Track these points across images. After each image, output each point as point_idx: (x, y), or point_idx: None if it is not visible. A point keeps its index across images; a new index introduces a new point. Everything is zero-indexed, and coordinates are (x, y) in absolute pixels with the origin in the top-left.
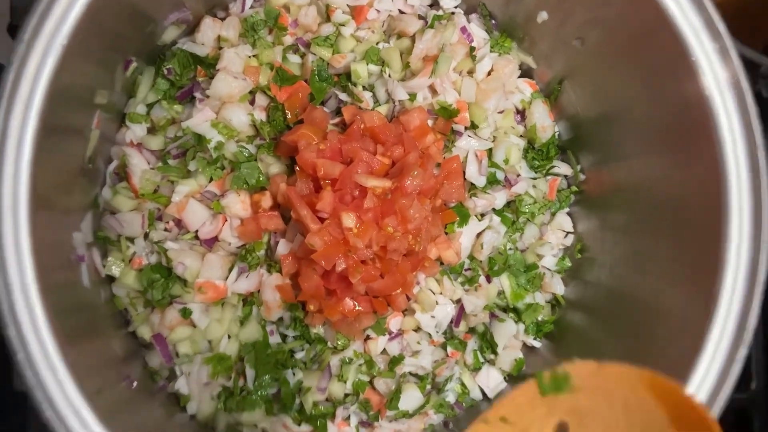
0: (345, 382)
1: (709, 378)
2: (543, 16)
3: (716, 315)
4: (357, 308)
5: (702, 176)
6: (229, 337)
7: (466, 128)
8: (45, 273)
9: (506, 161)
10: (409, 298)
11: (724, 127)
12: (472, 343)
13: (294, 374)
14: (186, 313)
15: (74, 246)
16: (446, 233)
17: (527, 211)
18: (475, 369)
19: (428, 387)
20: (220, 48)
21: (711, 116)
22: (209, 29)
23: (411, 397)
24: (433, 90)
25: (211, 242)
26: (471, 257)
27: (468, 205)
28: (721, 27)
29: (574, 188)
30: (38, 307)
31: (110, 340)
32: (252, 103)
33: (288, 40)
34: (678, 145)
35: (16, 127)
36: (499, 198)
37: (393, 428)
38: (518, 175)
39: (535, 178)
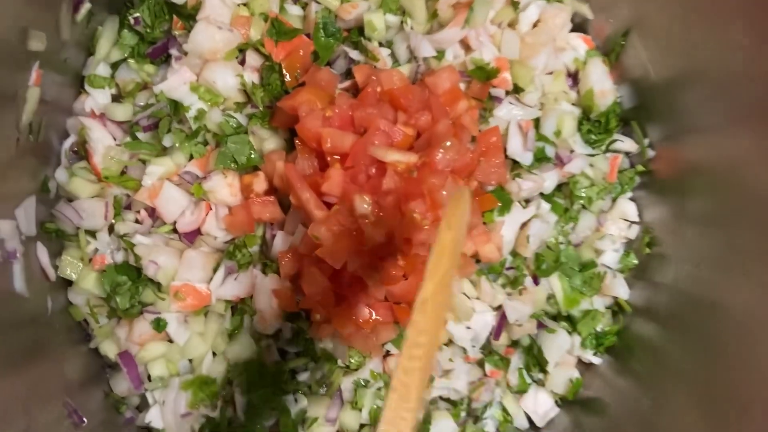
0: (360, 410)
1: None
2: None
3: None
4: (374, 317)
5: None
6: (215, 354)
7: (507, 93)
8: None
9: (557, 134)
10: None
11: None
12: (516, 360)
13: (296, 401)
14: (160, 325)
15: (1, 238)
16: (484, 223)
17: (583, 195)
18: (520, 391)
19: (463, 414)
20: None
21: None
22: None
23: (443, 428)
24: (466, 45)
25: (192, 236)
26: (514, 253)
27: (510, 188)
28: None
29: (639, 168)
30: None
31: (60, 362)
32: (242, 62)
33: None
34: None
35: None
36: (549, 179)
37: None
38: (572, 152)
39: (592, 155)
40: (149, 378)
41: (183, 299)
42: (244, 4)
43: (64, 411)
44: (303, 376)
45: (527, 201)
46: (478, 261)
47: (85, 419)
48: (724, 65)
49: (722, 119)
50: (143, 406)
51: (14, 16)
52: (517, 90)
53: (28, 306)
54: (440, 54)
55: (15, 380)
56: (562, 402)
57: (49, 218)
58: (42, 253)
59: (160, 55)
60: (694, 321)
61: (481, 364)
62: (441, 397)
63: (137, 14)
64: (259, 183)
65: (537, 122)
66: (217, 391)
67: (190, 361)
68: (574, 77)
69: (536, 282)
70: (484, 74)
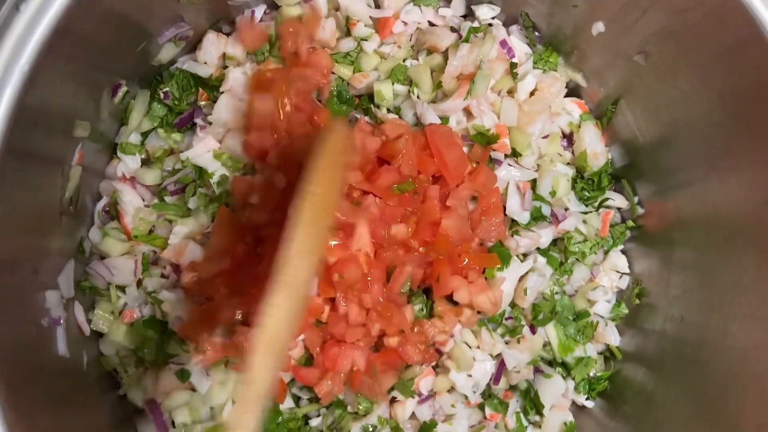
0: None
1: None
2: (599, 27)
3: None
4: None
5: None
6: (234, 402)
7: (506, 156)
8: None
9: (552, 193)
10: (440, 353)
11: None
12: (514, 403)
13: None
14: (184, 376)
15: (47, 308)
16: (486, 278)
17: (576, 250)
18: None
19: None
20: (225, 67)
21: None
22: (213, 46)
23: None
24: (468, 112)
25: None
26: (512, 304)
27: (509, 244)
28: None
29: (630, 223)
30: None
31: (93, 408)
32: None
33: None
34: (762, 161)
35: None
36: (545, 236)
37: None
38: (566, 209)
39: (585, 213)
40: (173, 424)
41: (203, 353)
42: None
43: None
44: (315, 422)
45: (525, 255)
46: (478, 312)
47: None
48: (709, 129)
49: (702, 176)
50: None
51: (65, 110)
52: (515, 153)
53: (68, 362)
54: (444, 120)
55: (52, 426)
56: None
57: (83, 276)
58: (79, 311)
59: (186, 124)
60: (681, 366)
61: (481, 407)
62: None
63: (166, 89)
64: None
65: (534, 183)
66: None
67: (212, 408)
68: (569, 138)
69: (533, 331)
70: (485, 139)
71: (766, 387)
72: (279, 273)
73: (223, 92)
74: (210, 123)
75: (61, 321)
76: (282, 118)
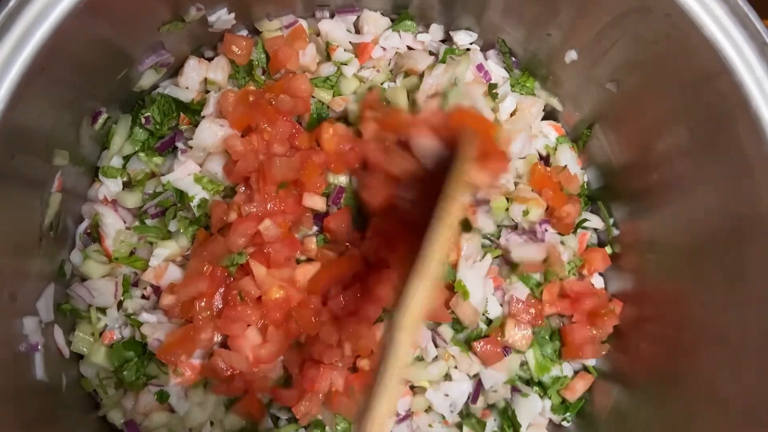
0: None
1: None
2: (572, 55)
3: None
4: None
5: (764, 244)
6: (212, 423)
7: None
8: None
9: (525, 213)
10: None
11: None
12: (492, 423)
13: None
14: (163, 397)
15: (25, 334)
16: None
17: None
18: None
19: None
20: (207, 92)
21: None
22: (194, 71)
23: None
24: None
25: None
26: (488, 321)
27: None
28: None
29: (608, 249)
30: None
31: (73, 429)
32: None
33: None
34: (735, 203)
35: None
36: (532, 252)
37: None
38: (546, 231)
39: (562, 235)
40: None
41: (182, 374)
42: None
43: None
44: None
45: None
46: (457, 330)
47: None
48: (673, 160)
49: (672, 198)
50: None
51: (43, 141)
52: None
53: (46, 386)
54: None
55: None
56: None
57: (64, 298)
58: (58, 335)
59: (168, 148)
60: (653, 384)
61: (459, 426)
62: None
63: (148, 113)
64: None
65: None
66: None
67: (190, 430)
68: (545, 160)
69: (508, 352)
70: None
71: (729, 411)
72: (421, 264)
73: (204, 116)
74: (191, 147)
75: (39, 347)
76: (262, 142)
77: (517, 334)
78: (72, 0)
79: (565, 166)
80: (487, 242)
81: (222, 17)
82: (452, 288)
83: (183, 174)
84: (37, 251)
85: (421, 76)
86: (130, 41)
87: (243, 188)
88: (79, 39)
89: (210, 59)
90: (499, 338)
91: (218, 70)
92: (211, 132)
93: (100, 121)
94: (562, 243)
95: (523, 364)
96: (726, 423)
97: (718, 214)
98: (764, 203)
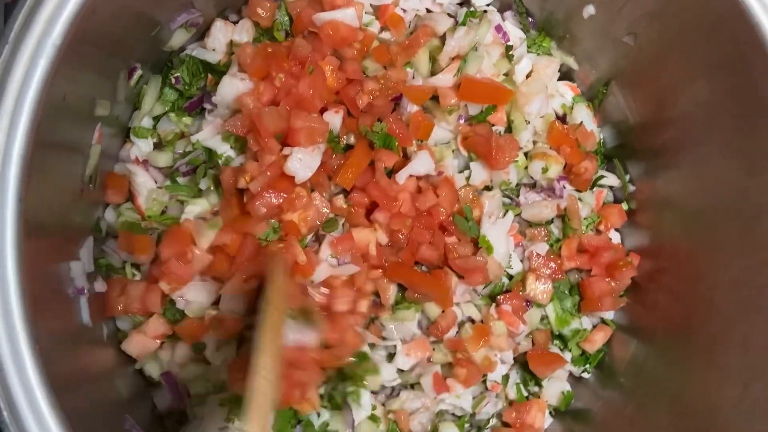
0: (377, 422)
1: None
2: (590, 10)
3: None
4: None
5: None
6: None
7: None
8: (35, 312)
9: (545, 170)
10: None
11: None
12: (514, 375)
13: (318, 415)
14: (198, 349)
15: (72, 277)
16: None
17: (575, 227)
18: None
19: (467, 426)
20: (232, 53)
21: None
22: (220, 33)
23: None
24: None
25: None
26: (510, 277)
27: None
28: None
29: (624, 206)
30: (26, 353)
31: (113, 380)
32: None
33: None
34: (750, 151)
35: (2, 133)
36: (547, 210)
37: None
38: (564, 187)
39: (580, 192)
40: (189, 395)
41: (215, 328)
42: None
43: (123, 425)
44: (323, 390)
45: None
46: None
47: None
48: (697, 108)
49: (689, 154)
50: (184, 420)
51: (87, 89)
52: (510, 129)
53: (90, 334)
54: None
55: (81, 394)
56: (555, 413)
57: (100, 254)
58: (100, 286)
59: (196, 108)
60: (670, 337)
61: (483, 378)
62: (447, 412)
63: (177, 74)
64: None
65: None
66: None
67: (224, 381)
68: (562, 120)
69: (529, 306)
70: (483, 115)
71: (749, 349)
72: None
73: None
74: (216, 106)
75: (85, 291)
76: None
77: (538, 288)
78: None
79: (581, 123)
80: (507, 200)
81: None
82: (476, 243)
83: (211, 133)
84: (79, 202)
85: (441, 38)
86: (161, 2)
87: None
88: None
89: (235, 22)
90: (520, 292)
91: (243, 32)
92: (232, 87)
93: (135, 76)
94: (580, 200)
95: (543, 318)
96: (745, 361)
97: (735, 167)
98: None
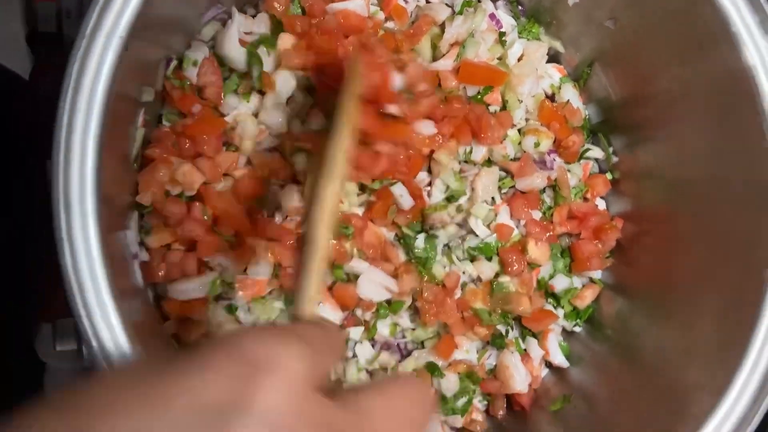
0: None
1: (762, 360)
2: None
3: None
4: None
5: (746, 153)
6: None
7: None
8: (112, 273)
9: (537, 144)
10: None
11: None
12: (513, 332)
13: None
14: (232, 310)
15: (127, 243)
16: None
17: (564, 195)
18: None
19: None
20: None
21: (754, 87)
22: (241, 27)
23: (450, 383)
24: None
25: None
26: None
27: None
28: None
29: (608, 176)
30: (111, 309)
31: (153, 339)
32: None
33: None
34: (719, 122)
35: (80, 123)
36: (538, 180)
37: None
38: (554, 160)
39: (568, 163)
40: None
41: (244, 289)
42: None
43: None
44: None
45: None
46: None
47: None
48: (672, 85)
49: (666, 127)
50: None
51: (138, 76)
52: (505, 107)
53: (142, 294)
54: None
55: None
56: (550, 365)
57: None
58: (144, 254)
59: None
60: (652, 294)
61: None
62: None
63: None
64: None
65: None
66: None
67: None
68: (551, 98)
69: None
70: (480, 95)
71: (723, 302)
72: (328, 167)
73: None
74: None
75: (138, 256)
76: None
77: (539, 251)
78: None
79: (568, 101)
80: (503, 173)
81: None
82: None
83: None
84: (128, 179)
85: (441, 26)
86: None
87: None
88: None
89: (253, 16)
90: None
91: (261, 25)
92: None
93: (171, 66)
94: (569, 171)
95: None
96: (720, 313)
97: (705, 140)
98: (746, 118)
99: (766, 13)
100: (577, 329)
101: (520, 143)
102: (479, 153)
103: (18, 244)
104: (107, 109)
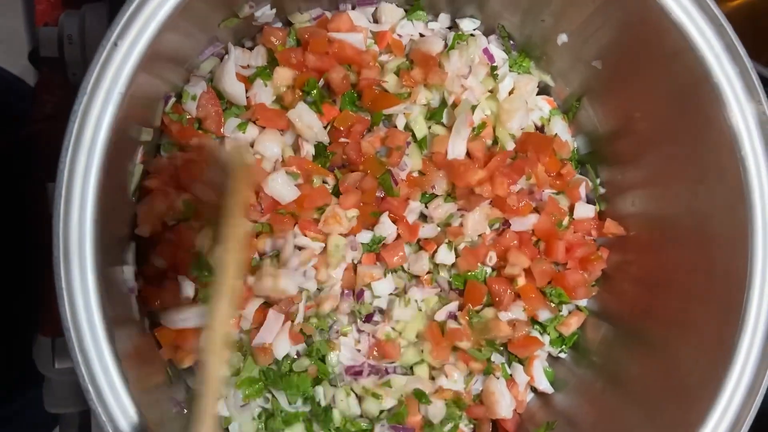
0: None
1: (737, 394)
2: (563, 38)
3: (744, 332)
4: None
5: (725, 193)
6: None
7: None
8: (108, 306)
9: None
10: None
11: (746, 144)
12: (498, 356)
13: (324, 391)
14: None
15: (126, 278)
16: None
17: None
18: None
19: None
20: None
21: (732, 136)
22: (239, 60)
23: (437, 409)
24: None
25: None
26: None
27: None
28: (741, 50)
29: (597, 208)
30: (104, 344)
31: (160, 366)
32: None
33: None
34: (699, 162)
35: (81, 165)
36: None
37: None
38: (542, 191)
39: (557, 193)
40: None
41: None
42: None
43: (171, 402)
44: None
45: None
46: None
47: (185, 408)
48: (656, 125)
49: (651, 160)
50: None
51: (137, 118)
52: (496, 142)
53: (138, 327)
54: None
55: (144, 381)
56: (534, 390)
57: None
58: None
59: None
60: (634, 319)
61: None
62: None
63: None
64: None
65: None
66: (262, 389)
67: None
68: (540, 130)
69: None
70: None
71: (703, 335)
72: (217, 287)
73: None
74: None
75: (134, 290)
76: None
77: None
78: (169, 8)
79: (556, 134)
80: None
81: (265, 12)
82: None
83: None
84: (126, 212)
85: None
86: (195, 42)
87: None
88: (172, 38)
89: (250, 49)
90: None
91: (258, 58)
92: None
93: (170, 104)
94: (558, 201)
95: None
96: (697, 349)
97: (685, 174)
98: (724, 159)
99: (746, 65)
100: (563, 355)
101: None
102: None
103: (20, 256)
104: (107, 158)
